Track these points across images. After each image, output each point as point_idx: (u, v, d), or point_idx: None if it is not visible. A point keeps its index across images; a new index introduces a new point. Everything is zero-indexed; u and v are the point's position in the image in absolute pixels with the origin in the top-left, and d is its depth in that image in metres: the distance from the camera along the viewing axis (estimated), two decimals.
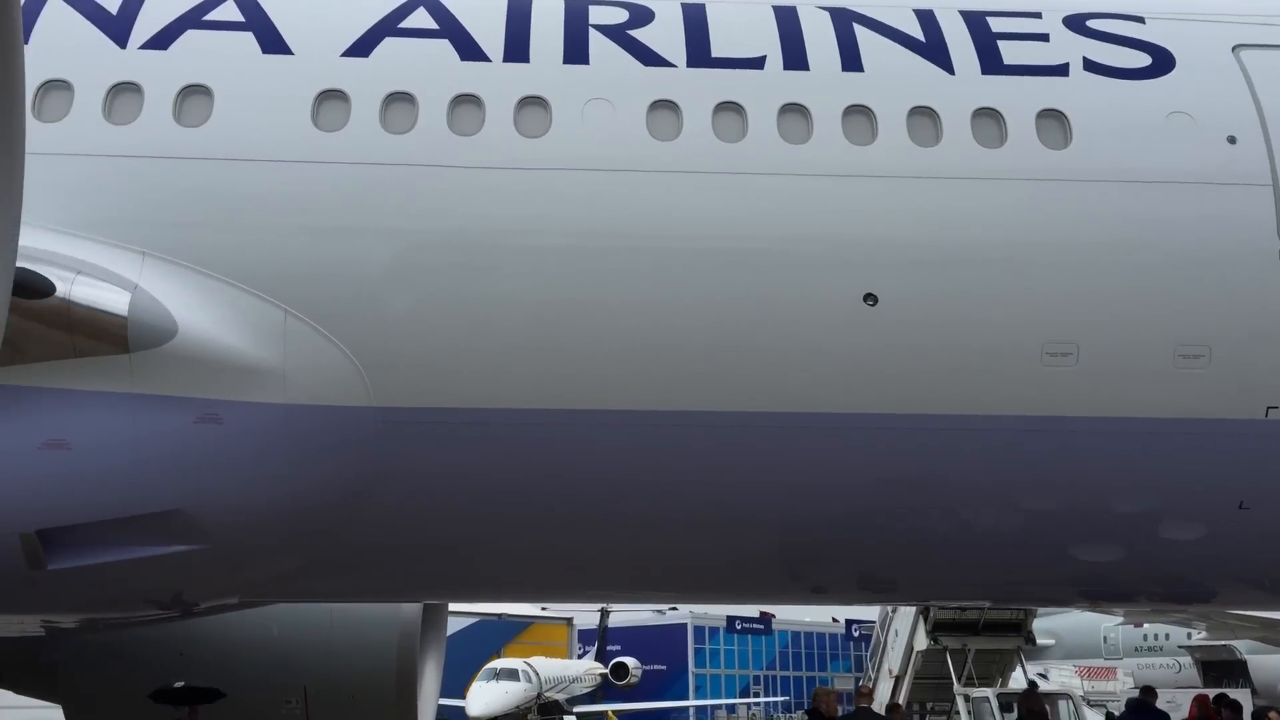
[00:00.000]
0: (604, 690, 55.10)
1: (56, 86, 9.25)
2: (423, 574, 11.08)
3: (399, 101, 9.39)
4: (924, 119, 9.72)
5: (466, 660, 44.59)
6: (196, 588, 10.39)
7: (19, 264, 7.98)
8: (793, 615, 65.09)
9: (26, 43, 9.22)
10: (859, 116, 9.70)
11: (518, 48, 9.68)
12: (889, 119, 9.66)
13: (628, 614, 62.39)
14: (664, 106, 9.57)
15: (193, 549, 9.24)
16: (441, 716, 44.81)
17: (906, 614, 24.70)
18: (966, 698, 22.18)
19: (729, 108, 9.60)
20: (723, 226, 9.42)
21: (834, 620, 61.76)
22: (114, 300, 8.52)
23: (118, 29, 9.44)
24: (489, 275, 9.18)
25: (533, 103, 9.49)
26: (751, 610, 57.81)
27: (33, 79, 9.17)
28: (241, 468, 9.00)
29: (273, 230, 9.08)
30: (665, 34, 9.90)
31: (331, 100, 9.36)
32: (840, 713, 14.68)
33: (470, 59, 9.59)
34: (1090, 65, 10.02)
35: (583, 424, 9.36)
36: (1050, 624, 46.75)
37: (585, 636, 61.98)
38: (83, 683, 15.61)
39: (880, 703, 23.65)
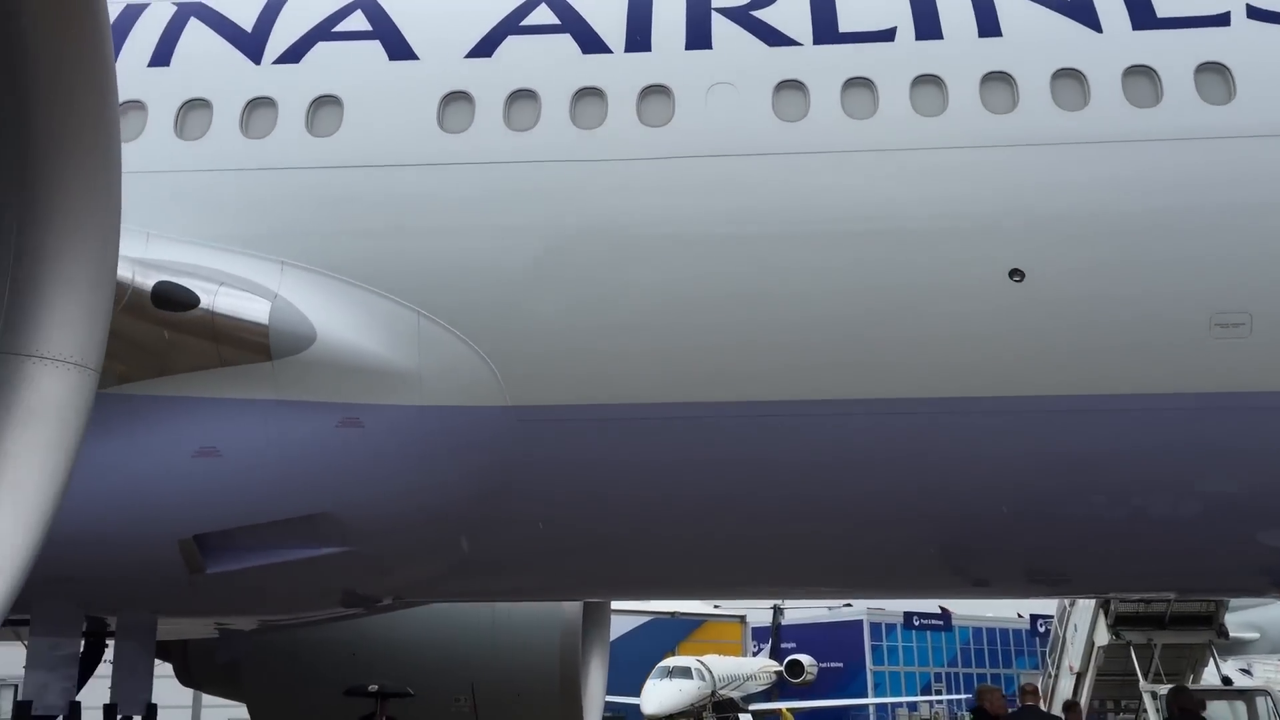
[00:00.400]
0: (779, 688, 54.63)
1: (197, 105, 9.58)
2: (567, 572, 11.06)
3: (522, 99, 9.39)
4: (1070, 81, 9.16)
5: (640, 659, 44.86)
6: (349, 589, 10.62)
7: (166, 278, 8.32)
8: (974, 610, 63.07)
9: (168, 65, 9.67)
10: (999, 84, 9.21)
11: (639, 37, 9.55)
12: (1032, 84, 9.14)
13: (801, 611, 61.74)
14: (790, 87, 9.28)
15: (341, 551, 9.44)
16: (617, 714, 45.48)
17: (1086, 607, 23.53)
18: (1154, 695, 20.94)
19: (859, 83, 9.25)
20: (857, 207, 9.08)
21: (1018, 616, 59.67)
22: (255, 310, 8.76)
23: (253, 46, 9.73)
24: (619, 269, 9.07)
25: (656, 92, 9.35)
26: (930, 605, 56.34)
27: (175, 99, 9.54)
28: (383, 470, 9.13)
29: (402, 234, 9.19)
30: (791, 12, 9.60)
31: (457, 102, 9.42)
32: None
33: (592, 51, 9.51)
34: (1255, 12, 9.27)
35: (724, 416, 9.16)
36: (1253, 616, 43.93)
37: (759, 634, 61.58)
38: (263, 683, 16.24)
39: (1064, 699, 22.65)
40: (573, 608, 16.22)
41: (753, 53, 9.44)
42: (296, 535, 9.26)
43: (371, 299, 9.02)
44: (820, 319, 8.97)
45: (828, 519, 9.83)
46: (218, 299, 8.62)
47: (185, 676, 17.51)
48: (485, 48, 9.58)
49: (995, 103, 9.16)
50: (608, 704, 42.19)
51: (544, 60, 9.54)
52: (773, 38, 9.47)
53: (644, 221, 9.14)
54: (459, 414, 9.08)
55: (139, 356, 8.67)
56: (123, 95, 9.57)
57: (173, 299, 8.44)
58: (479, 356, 9.01)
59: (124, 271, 8.15)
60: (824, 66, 9.32)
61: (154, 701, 12.40)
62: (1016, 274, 8.78)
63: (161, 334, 8.53)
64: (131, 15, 10.02)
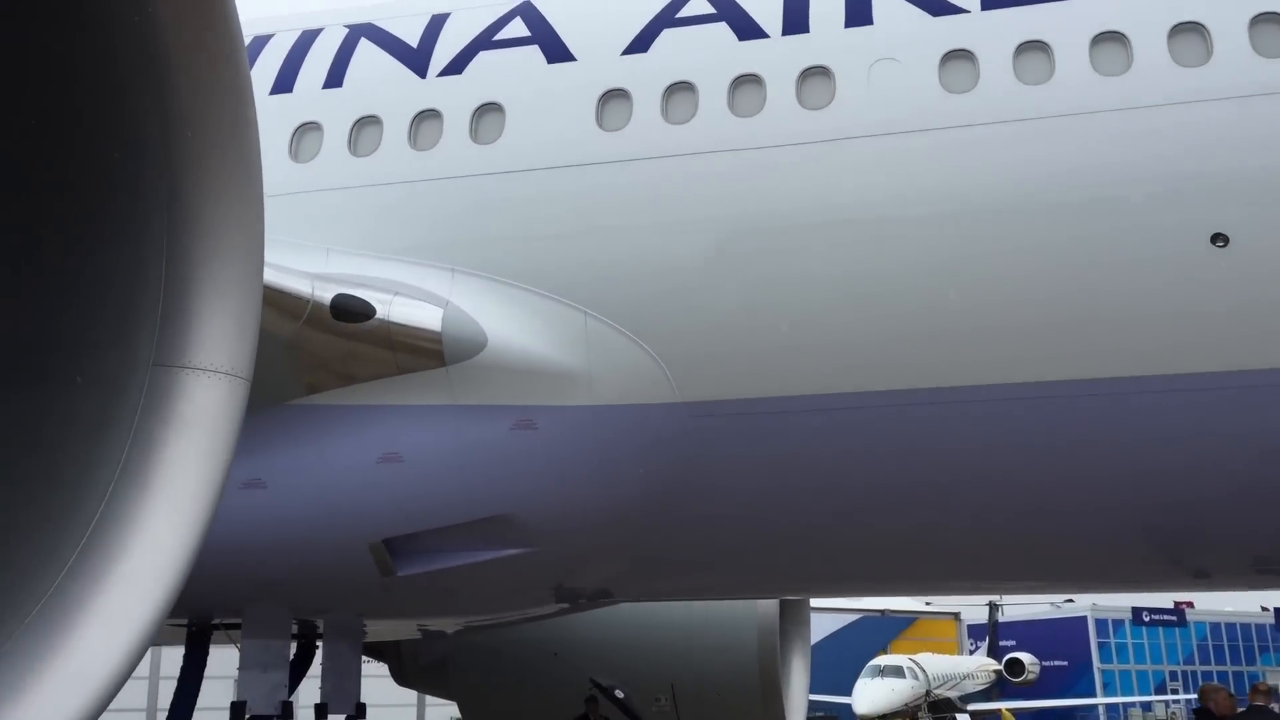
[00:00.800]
0: (999, 688, 52.67)
1: (369, 122, 9.89)
2: (752, 569, 10.88)
3: (680, 91, 9.28)
4: (1272, 27, 8.38)
5: (850, 657, 44.12)
6: (536, 590, 10.74)
7: (344, 291, 8.59)
8: (1212, 604, 59.26)
9: (340, 85, 10.01)
10: (1190, 35, 8.52)
11: (797, 19, 9.30)
12: (1227, 32, 8.42)
13: (1021, 608, 59.36)
14: (958, 57, 8.84)
15: (524, 552, 9.55)
16: (828, 714, 44.75)
17: None
18: None
19: (1032, 48, 8.73)
20: (1039, 178, 8.56)
21: (1262, 609, 55.70)
22: (428, 317, 8.96)
23: (418, 60, 9.97)
24: (787, 258, 8.85)
25: (816, 73, 9.08)
26: (1163, 600, 53.20)
27: (348, 117, 9.88)
28: (559, 471, 9.19)
29: (565, 235, 9.23)
30: None
31: (615, 100, 9.40)
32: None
33: (748, 38, 9.31)
34: None
35: (909, 404, 8.80)
36: None
37: (976, 632, 59.56)
38: (469, 682, 16.73)
39: None
40: (769, 606, 16.02)
41: (916, 25, 9.05)
42: (480, 537, 9.42)
43: (539, 301, 9.09)
44: (1006, 298, 8.51)
45: (1023, 510, 9.32)
46: (392, 308, 8.86)
47: (399, 676, 18.22)
48: (641, 44, 9.52)
49: (1187, 56, 8.48)
50: (817, 703, 41.83)
51: (700, 51, 9.41)
52: (937, 7, 9.05)
53: (810, 208, 8.88)
54: (630, 412, 9.05)
55: (323, 368, 9.00)
56: (300, 118, 10.05)
57: (351, 310, 8.73)
58: (647, 354, 8.95)
59: (303, 286, 8.48)
60: (993, 33, 8.85)
61: (363, 701, 12.89)
62: (1219, 239, 8.11)
63: (342, 345, 8.83)
64: (307, 40, 10.44)
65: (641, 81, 9.37)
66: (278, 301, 8.35)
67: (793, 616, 17.58)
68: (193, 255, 4.36)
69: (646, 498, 9.32)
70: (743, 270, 8.95)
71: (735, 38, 9.35)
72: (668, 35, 9.51)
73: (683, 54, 9.43)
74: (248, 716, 11.10)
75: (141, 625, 4.03)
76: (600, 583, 10.93)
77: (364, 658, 19.71)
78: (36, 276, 4.35)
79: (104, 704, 3.82)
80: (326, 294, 8.62)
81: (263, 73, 10.28)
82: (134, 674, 4.00)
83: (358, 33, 10.34)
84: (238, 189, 4.47)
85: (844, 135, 8.83)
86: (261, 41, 10.54)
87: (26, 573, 3.93)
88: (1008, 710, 48.12)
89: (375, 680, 17.96)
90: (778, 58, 9.17)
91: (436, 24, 10.13)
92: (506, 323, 9.07)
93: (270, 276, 8.33)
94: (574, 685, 16.06)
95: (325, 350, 8.87)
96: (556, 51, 9.71)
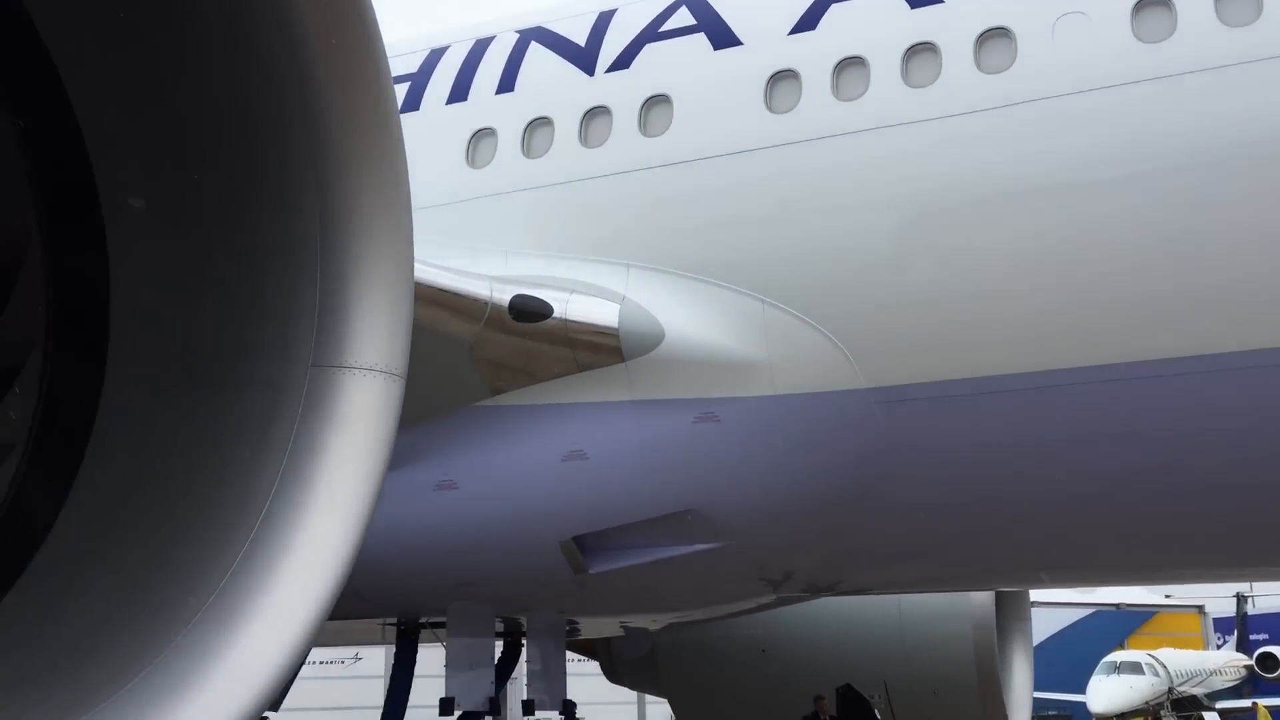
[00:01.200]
0: (1252, 684, 49.13)
1: (541, 123, 9.97)
2: (954, 559, 10.39)
3: (851, 67, 8.95)
4: None
5: (1084, 654, 42.09)
6: (731, 584, 10.60)
7: (521, 292, 8.68)
8: None
9: (512, 90, 10.14)
10: None
11: None
12: None
13: (1273, 599, 55.19)
14: (1153, 4, 8.19)
15: (714, 546, 9.43)
16: (1062, 712, 42.80)
17: None
18: None
19: None
20: (1247, 129, 7.84)
21: None
22: (605, 313, 8.96)
23: (586, 59, 9.99)
24: (975, 232, 8.41)
25: (995, 35, 8.58)
26: None
27: (521, 120, 9.99)
28: (744, 463, 9.02)
29: (738, 223, 9.06)
30: None
31: (784, 81, 9.16)
32: None
33: (920, 5, 8.90)
34: None
35: (1115, 380, 8.22)
36: None
37: (1223, 625, 55.76)
38: (678, 679, 16.74)
39: None
40: (983, 599, 15.38)
41: None
42: (669, 532, 9.36)
43: (716, 291, 8.95)
44: (1220, 261, 7.83)
45: (1255, 488, 8.54)
46: (570, 306, 8.90)
47: (611, 673, 18.42)
48: (808, 21, 9.24)
49: None
50: (1048, 701, 39.93)
51: (869, 24, 9.06)
52: None
53: (997, 177, 8.41)
54: (814, 401, 8.79)
55: (506, 368, 9.13)
56: (475, 124, 10.22)
57: (529, 311, 8.82)
58: (828, 340, 8.68)
59: (481, 289, 8.62)
60: None
61: (571, 699, 13.07)
62: None
63: (522, 345, 8.93)
64: (480, 49, 10.63)
65: (810, 61, 9.09)
66: (457, 305, 8.51)
67: (1012, 610, 16.83)
68: (344, 257, 4.42)
69: (838, 488, 9.03)
70: (926, 248, 8.56)
71: (908, 6, 8.95)
72: (836, 10, 9.19)
73: (852, 28, 9.10)
74: (457, 713, 11.41)
75: (305, 623, 4.08)
76: (798, 576, 10.69)
77: (575, 656, 20.18)
78: (207, 290, 4.51)
79: (267, 702, 3.89)
80: (505, 296, 8.73)
81: (439, 84, 10.53)
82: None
83: (527, 37, 10.46)
84: (384, 190, 4.51)
85: (1028, 98, 8.32)
86: (438, 54, 10.80)
87: (194, 571, 4.05)
88: (1264, 707, 44.78)
89: (591, 680, 18.34)
90: (953, 22, 8.72)
91: (604, 21, 10.13)
92: (683, 315, 8.97)
93: (449, 281, 8.53)
94: (784, 682, 15.84)
95: (506, 351, 8.98)
96: (722, 37, 9.54)
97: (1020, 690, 16.95)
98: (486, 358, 8.98)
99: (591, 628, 14.46)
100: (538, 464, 9.25)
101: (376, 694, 13.60)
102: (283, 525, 4.21)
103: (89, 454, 4.42)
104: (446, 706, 11.25)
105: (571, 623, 12.93)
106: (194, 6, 4.13)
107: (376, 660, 26.65)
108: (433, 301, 8.30)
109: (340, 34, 4.32)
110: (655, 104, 9.60)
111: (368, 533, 9.76)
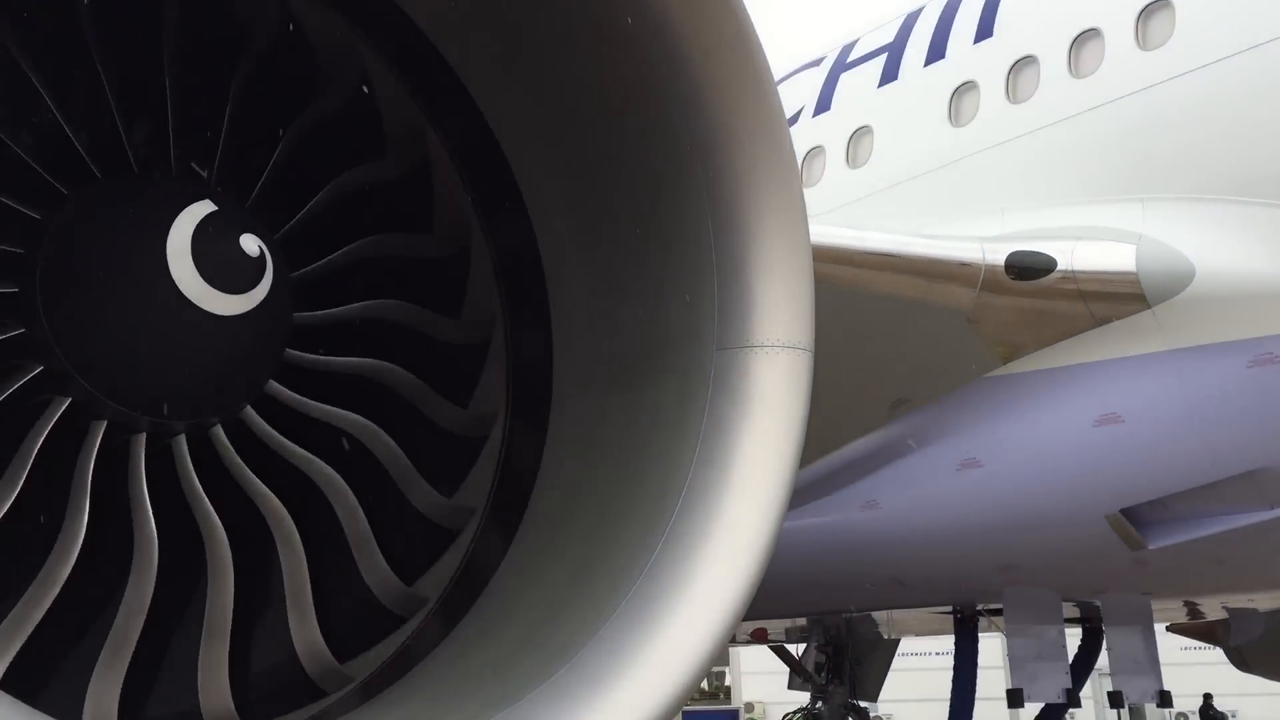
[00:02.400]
0: None
1: (1025, 64, 9.15)
2: None
3: None
4: None
5: None
6: None
7: (1018, 248, 8.04)
8: None
9: (991, 35, 9.43)
10: None
11: None
12: None
13: None
14: None
15: None
16: None
17: None
18: None
19: None
20: None
21: None
22: (1118, 257, 7.96)
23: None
24: None
25: None
26: None
27: (1003, 65, 9.27)
28: None
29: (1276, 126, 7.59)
30: None
31: None
32: None
33: None
34: None
35: None
36: None
37: None
38: None
39: None
40: None
41: None
42: (1233, 499, 8.07)
43: (1255, 212, 7.60)
44: None
45: None
46: (1075, 256, 8.01)
47: (1239, 661, 16.65)
48: None
49: None
50: None
51: None
52: None
53: None
54: None
55: (1012, 333, 8.42)
56: (955, 81, 9.70)
57: (1029, 267, 8.07)
58: None
59: (972, 254, 8.08)
60: None
61: (1167, 689, 11.80)
62: None
63: (1027, 305, 8.19)
64: (955, 3, 10.02)
65: None
66: (946, 273, 8.03)
67: None
68: (737, 236, 4.31)
69: None
70: None
71: None
72: None
73: None
74: (1030, 705, 10.75)
75: (724, 613, 3.97)
76: None
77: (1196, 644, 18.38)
78: (619, 294, 4.62)
79: (687, 694, 3.83)
80: (999, 256, 8.07)
81: (916, 47, 10.06)
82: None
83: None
84: (769, 158, 4.33)
85: None
86: (913, 18, 10.33)
87: (616, 566, 4.11)
88: None
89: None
90: None
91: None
92: (1215, 246, 7.70)
93: (935, 250, 8.09)
94: None
95: (1010, 314, 8.28)
96: None
97: None
98: (989, 324, 8.33)
99: (1170, 611, 12.95)
100: (1065, 432, 8.40)
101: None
102: (700, 513, 4.15)
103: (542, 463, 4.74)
104: (1015, 698, 10.59)
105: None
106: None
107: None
108: (919, 273, 7.90)
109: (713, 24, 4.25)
110: (1156, 10, 8.38)
111: (901, 518, 9.50)
